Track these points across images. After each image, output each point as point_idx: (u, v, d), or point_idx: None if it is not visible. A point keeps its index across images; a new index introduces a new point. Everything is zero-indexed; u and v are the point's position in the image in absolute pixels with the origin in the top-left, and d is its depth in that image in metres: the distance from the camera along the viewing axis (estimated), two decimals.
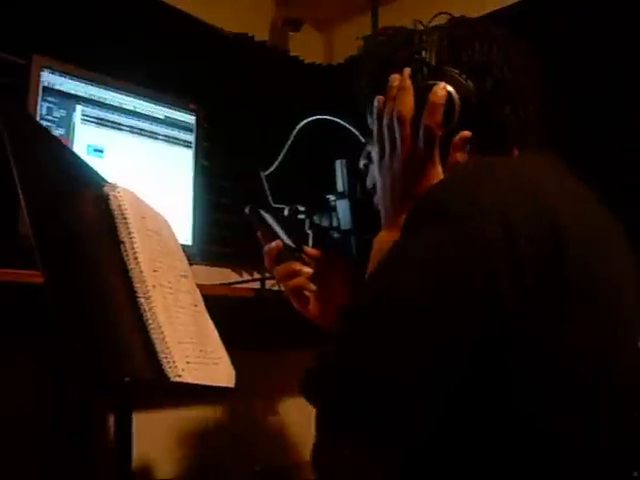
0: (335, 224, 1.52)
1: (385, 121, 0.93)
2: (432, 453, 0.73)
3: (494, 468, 0.71)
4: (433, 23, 1.00)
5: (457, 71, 0.91)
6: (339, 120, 1.68)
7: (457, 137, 0.90)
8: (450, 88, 0.90)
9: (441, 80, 0.90)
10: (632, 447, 0.71)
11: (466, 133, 0.90)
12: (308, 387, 0.76)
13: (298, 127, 1.67)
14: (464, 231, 0.71)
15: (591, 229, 0.77)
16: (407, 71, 0.93)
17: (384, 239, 0.93)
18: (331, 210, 1.51)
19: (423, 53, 0.94)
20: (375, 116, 0.96)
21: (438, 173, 0.90)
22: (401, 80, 0.92)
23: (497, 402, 0.70)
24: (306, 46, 2.44)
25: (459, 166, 0.88)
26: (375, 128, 0.96)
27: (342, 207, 1.45)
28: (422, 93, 0.90)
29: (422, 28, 0.99)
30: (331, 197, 1.53)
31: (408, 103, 0.91)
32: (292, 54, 2.38)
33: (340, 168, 1.52)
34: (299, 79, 2.32)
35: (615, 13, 1.74)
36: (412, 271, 0.73)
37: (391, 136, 0.93)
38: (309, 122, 1.66)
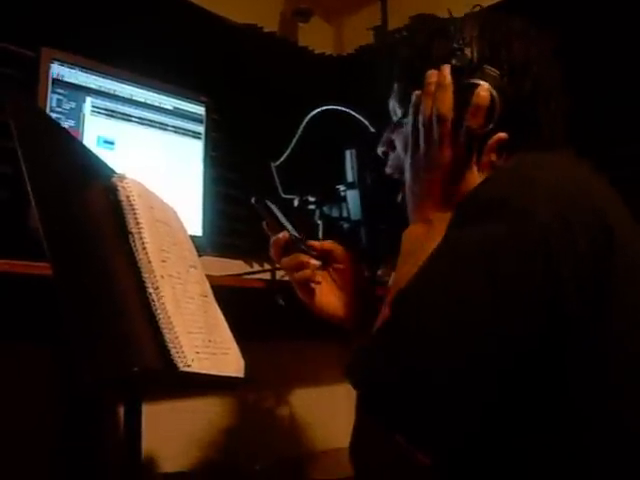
0: (345, 214, 1.52)
1: (422, 118, 0.92)
2: (483, 446, 0.73)
3: (543, 458, 0.72)
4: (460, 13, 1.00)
5: (498, 72, 0.90)
6: (349, 110, 1.68)
7: (493, 139, 0.90)
8: (492, 89, 0.89)
9: (482, 80, 0.89)
10: None
11: (503, 135, 0.89)
12: (354, 371, 0.76)
13: (308, 118, 1.67)
14: (525, 225, 0.72)
15: (628, 224, 0.78)
16: (447, 68, 0.91)
17: (416, 232, 0.93)
18: (341, 200, 1.51)
19: (465, 50, 0.93)
20: (411, 112, 0.95)
21: (474, 172, 0.90)
22: (441, 77, 0.91)
23: (553, 397, 0.71)
24: (315, 37, 2.43)
25: (509, 163, 0.87)
26: (409, 124, 0.95)
27: (352, 197, 1.46)
28: (463, 92, 0.89)
29: (457, 20, 0.98)
30: (341, 187, 1.53)
31: (448, 102, 0.90)
32: (301, 45, 2.37)
33: (350, 158, 1.53)
34: (308, 70, 2.31)
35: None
36: (473, 262, 0.73)
37: (428, 134, 0.92)
38: (319, 113, 1.66)
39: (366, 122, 1.61)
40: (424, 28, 1.01)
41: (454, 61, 0.92)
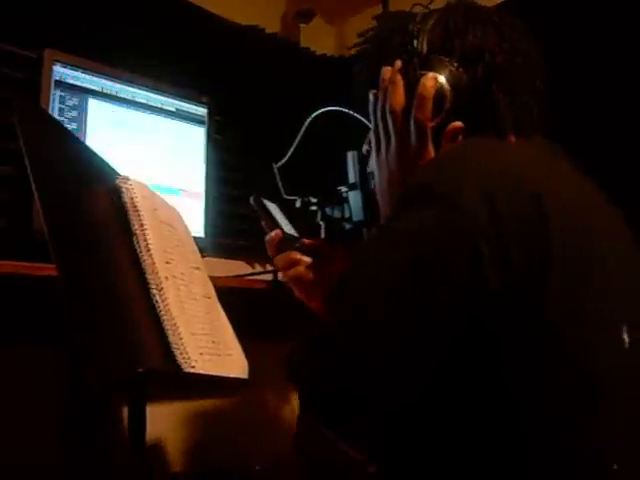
0: (347, 215, 1.52)
1: (378, 115, 0.93)
2: (416, 435, 0.72)
3: (478, 448, 0.70)
4: (433, 7, 0.98)
5: (447, 59, 0.89)
6: (350, 111, 1.68)
7: (449, 128, 0.88)
8: (440, 78, 0.88)
9: (431, 70, 0.88)
10: (612, 438, 0.69)
11: (457, 124, 0.87)
12: (292, 369, 0.77)
13: (310, 119, 1.67)
14: (448, 211, 0.71)
15: (578, 212, 0.75)
16: (398, 64, 0.91)
17: None
18: (343, 201, 1.51)
19: (415, 42, 0.92)
20: (370, 110, 0.95)
21: None
22: (392, 72, 0.91)
23: (482, 384, 0.69)
24: (317, 38, 2.44)
25: (444, 149, 0.87)
26: (372, 122, 0.96)
27: (354, 198, 1.45)
28: (412, 85, 0.89)
29: (418, 14, 0.96)
30: (343, 188, 1.53)
31: (398, 96, 0.90)
32: (303, 46, 2.37)
33: (352, 159, 1.52)
34: (310, 71, 2.32)
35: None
36: (396, 251, 0.73)
37: (385, 130, 0.92)
38: (321, 114, 1.66)
39: (368, 123, 1.61)
40: (387, 25, 1.01)
41: (405, 55, 0.92)
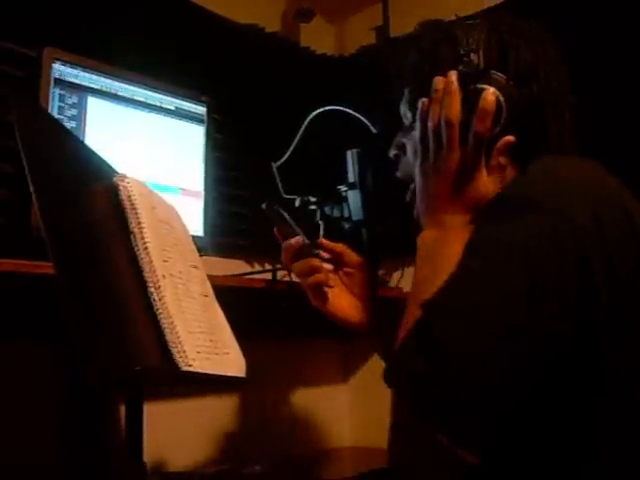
0: (346, 214, 1.53)
1: (431, 124, 0.93)
2: (525, 445, 0.74)
3: (581, 458, 0.73)
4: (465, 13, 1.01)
5: (504, 76, 0.92)
6: (350, 111, 1.69)
7: (501, 142, 0.91)
8: (498, 93, 0.90)
9: (489, 84, 0.91)
10: None
11: (510, 138, 0.91)
12: (395, 376, 0.78)
13: (309, 118, 1.67)
14: (557, 223, 0.74)
15: None
16: (454, 74, 0.92)
17: (431, 237, 0.94)
18: (342, 201, 1.52)
19: (472, 55, 0.94)
20: (419, 118, 0.95)
21: (483, 176, 0.91)
22: (447, 83, 0.92)
23: (587, 399, 0.73)
24: (317, 37, 2.43)
25: (538, 163, 0.88)
26: (418, 130, 0.96)
27: (353, 197, 1.46)
28: (470, 97, 0.90)
29: (464, 24, 1.00)
30: (342, 188, 1.53)
31: (455, 107, 0.91)
32: (303, 45, 2.37)
33: (351, 159, 1.53)
34: (310, 70, 2.31)
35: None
36: (510, 260, 0.74)
37: (437, 140, 0.93)
38: (320, 113, 1.67)
39: (367, 123, 1.61)
40: (432, 33, 1.02)
41: (461, 67, 0.94)
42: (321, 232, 1.47)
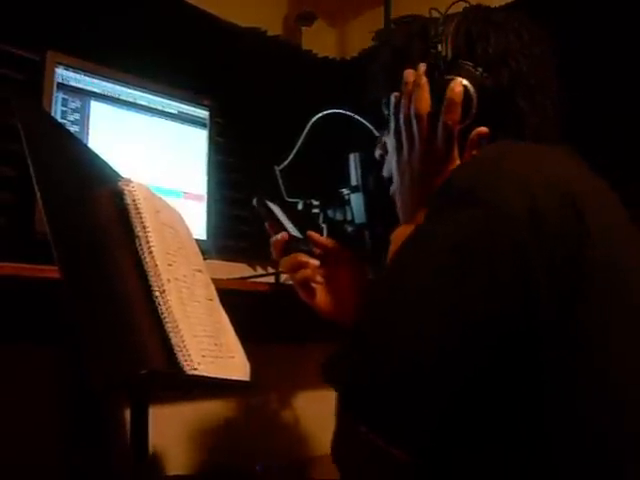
0: (349, 218, 1.52)
1: (402, 118, 0.93)
2: (453, 441, 0.73)
3: (513, 459, 0.71)
4: (450, 11, 0.99)
5: (472, 64, 0.90)
6: (352, 114, 1.68)
7: (474, 133, 0.90)
8: (466, 83, 0.89)
9: (457, 74, 0.90)
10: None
11: (483, 129, 0.90)
12: (330, 370, 0.76)
13: (311, 122, 1.67)
14: (492, 215, 0.71)
15: (609, 216, 0.77)
16: (422, 67, 0.92)
17: (403, 233, 0.91)
18: (345, 204, 1.52)
19: (439, 46, 0.93)
20: (392, 113, 0.95)
21: None
22: (416, 76, 0.92)
23: (521, 391, 0.70)
24: (319, 40, 2.44)
25: (479, 151, 0.88)
26: (392, 125, 0.96)
27: (356, 201, 1.46)
28: (438, 89, 0.90)
29: (437, 17, 0.98)
30: (345, 191, 1.53)
31: (424, 100, 0.90)
32: (305, 49, 2.38)
33: (354, 162, 1.53)
34: (312, 74, 2.32)
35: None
36: (440, 253, 0.73)
37: (409, 133, 0.93)
38: (322, 116, 1.67)
39: (370, 125, 1.61)
40: (404, 29, 1.02)
41: (429, 59, 0.93)
42: (324, 235, 1.47)
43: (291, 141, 1.72)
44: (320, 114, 1.66)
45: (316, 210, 1.60)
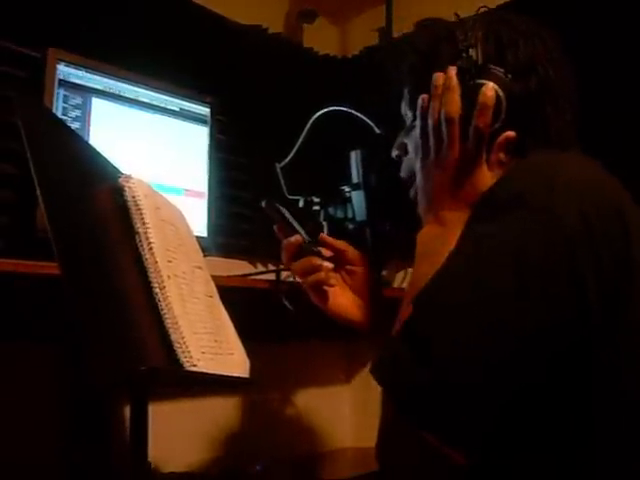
0: (350, 215, 1.53)
1: (431, 121, 0.93)
2: (508, 446, 0.74)
3: (565, 463, 0.72)
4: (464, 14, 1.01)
5: (503, 70, 0.91)
6: (353, 111, 1.69)
7: (501, 137, 0.91)
8: (497, 88, 0.90)
9: (488, 79, 0.91)
10: None
11: (511, 134, 0.91)
12: (383, 371, 0.77)
13: (313, 119, 1.67)
14: (545, 221, 0.73)
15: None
16: (453, 70, 0.93)
17: (430, 234, 0.94)
18: (346, 201, 1.52)
19: (470, 51, 0.94)
20: (419, 115, 0.96)
21: (483, 171, 0.91)
22: (447, 79, 0.92)
23: (574, 394, 0.72)
24: (320, 38, 2.43)
25: (528, 160, 0.88)
26: (419, 127, 0.96)
27: (357, 198, 1.46)
28: (469, 93, 0.90)
29: (463, 22, 1.00)
30: (346, 188, 1.53)
31: (455, 103, 0.91)
32: (306, 46, 2.37)
33: (355, 159, 1.53)
34: (313, 71, 2.31)
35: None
36: (498, 259, 0.74)
37: (437, 135, 0.93)
38: (324, 114, 1.67)
39: (371, 123, 1.61)
40: (430, 32, 1.02)
41: (460, 63, 0.94)
42: (325, 233, 1.47)
43: (292, 138, 1.72)
44: (321, 111, 1.66)
45: (317, 207, 1.60)
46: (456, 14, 1.02)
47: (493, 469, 0.75)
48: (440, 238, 0.90)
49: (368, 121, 1.61)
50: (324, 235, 1.21)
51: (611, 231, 0.73)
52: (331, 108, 1.63)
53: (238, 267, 1.96)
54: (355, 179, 1.48)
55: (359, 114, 1.66)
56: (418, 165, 0.97)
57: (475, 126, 0.89)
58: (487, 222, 0.78)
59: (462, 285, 0.75)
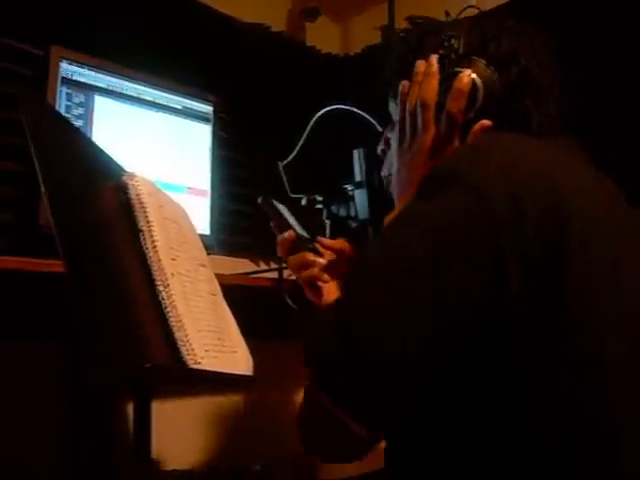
0: (353, 213, 1.52)
1: (408, 106, 0.95)
2: (426, 425, 0.74)
3: (488, 450, 0.71)
4: (461, 16, 1.01)
5: (484, 61, 0.92)
6: (356, 110, 1.68)
7: (477, 125, 0.91)
8: (475, 76, 0.91)
9: (467, 68, 0.91)
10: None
11: (486, 122, 0.91)
12: (311, 345, 0.77)
13: (315, 117, 1.67)
14: (472, 202, 0.72)
15: (598, 209, 0.76)
16: (434, 57, 0.94)
17: None
18: (349, 199, 1.51)
19: (452, 41, 0.95)
20: (399, 100, 0.96)
21: None
22: (427, 66, 0.94)
23: (495, 382, 0.70)
24: (323, 36, 2.43)
25: (474, 140, 0.89)
26: (398, 113, 0.97)
27: (360, 196, 1.45)
28: (447, 79, 0.92)
29: (452, 19, 1.01)
30: (349, 186, 1.53)
31: (432, 88, 0.92)
32: (309, 44, 2.37)
33: (358, 157, 1.52)
34: (316, 69, 2.31)
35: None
36: (420, 236, 0.73)
37: (413, 121, 0.94)
38: (326, 112, 1.66)
39: (374, 121, 1.61)
40: (418, 27, 1.03)
41: (442, 52, 0.95)
42: (327, 231, 1.47)
43: (295, 137, 1.72)
44: (324, 110, 1.65)
45: (320, 206, 1.60)
46: (446, 12, 1.03)
47: (420, 450, 0.76)
48: None
49: (370, 119, 1.61)
50: (321, 238, 1.22)
51: (544, 219, 0.70)
52: (334, 106, 1.63)
53: (241, 265, 1.96)
54: (358, 177, 1.48)
55: (362, 112, 1.66)
56: (395, 153, 0.99)
57: (447, 110, 0.90)
58: (419, 200, 0.78)
59: (385, 261, 0.75)
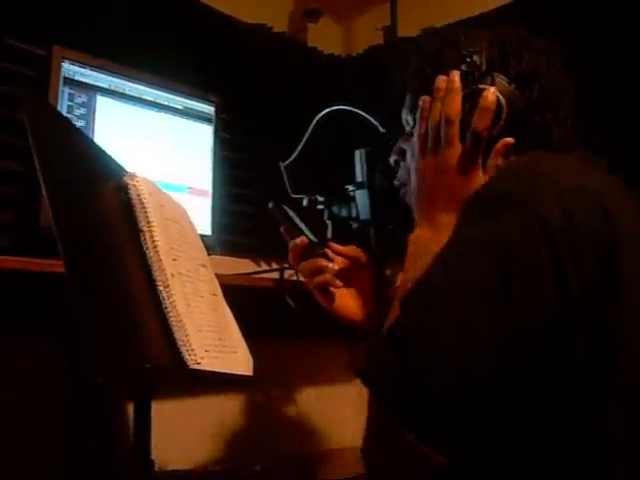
0: (354, 214, 1.52)
1: (431, 122, 0.94)
2: (495, 446, 0.73)
3: (551, 463, 0.71)
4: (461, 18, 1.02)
5: (505, 78, 0.93)
6: (358, 111, 1.68)
7: (500, 143, 0.91)
8: (499, 94, 0.91)
9: (490, 85, 0.92)
10: None
11: (509, 140, 0.91)
12: (368, 373, 0.76)
13: (317, 118, 1.67)
14: (528, 221, 0.73)
15: (634, 216, 0.78)
16: (456, 73, 0.94)
17: (423, 236, 0.94)
18: (350, 200, 1.51)
19: (474, 57, 0.95)
20: (419, 115, 0.96)
21: (480, 175, 0.91)
22: (450, 82, 0.93)
23: (559, 398, 0.71)
24: (325, 37, 2.43)
25: (514, 161, 0.89)
26: (419, 127, 0.96)
27: (361, 197, 1.45)
28: (471, 96, 0.92)
29: (470, 30, 1.01)
30: (350, 187, 1.53)
31: (456, 105, 0.92)
32: (311, 45, 2.37)
33: (359, 158, 1.52)
34: (318, 70, 2.31)
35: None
36: (481, 260, 0.74)
37: (436, 137, 0.94)
38: (328, 113, 1.66)
39: (375, 122, 1.61)
40: (435, 38, 1.03)
41: (463, 67, 0.95)
42: (329, 232, 1.47)
43: (296, 137, 1.72)
44: (325, 110, 1.65)
45: (321, 207, 1.60)
46: (462, 22, 1.04)
47: (476, 468, 0.75)
48: (432, 240, 0.90)
49: (372, 120, 1.61)
50: (333, 244, 1.21)
51: (596, 231, 0.72)
52: (335, 107, 1.63)
53: (242, 265, 1.96)
54: (359, 178, 1.48)
55: (363, 113, 1.65)
56: (414, 166, 0.98)
57: (473, 128, 0.90)
58: (472, 224, 0.78)
59: (445, 288, 0.75)
